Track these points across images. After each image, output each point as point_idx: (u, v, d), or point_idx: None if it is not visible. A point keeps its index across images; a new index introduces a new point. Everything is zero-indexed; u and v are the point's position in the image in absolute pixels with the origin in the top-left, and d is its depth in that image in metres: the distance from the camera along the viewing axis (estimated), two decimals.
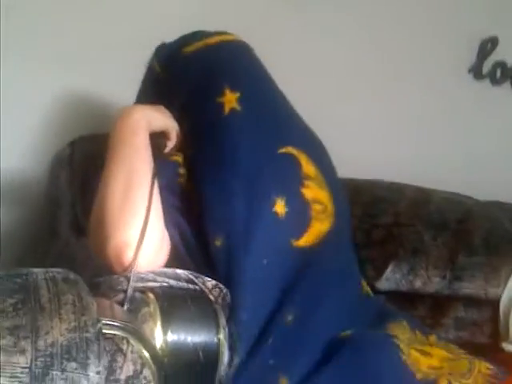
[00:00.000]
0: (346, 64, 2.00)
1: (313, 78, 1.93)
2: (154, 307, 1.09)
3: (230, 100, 1.28)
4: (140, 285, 1.14)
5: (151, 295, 1.11)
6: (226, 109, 1.28)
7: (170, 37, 1.41)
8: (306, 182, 1.27)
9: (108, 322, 0.91)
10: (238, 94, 1.28)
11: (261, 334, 1.17)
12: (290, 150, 1.28)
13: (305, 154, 1.29)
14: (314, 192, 1.28)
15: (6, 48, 1.70)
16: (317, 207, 1.27)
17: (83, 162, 1.53)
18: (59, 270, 0.97)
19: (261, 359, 1.15)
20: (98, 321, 0.89)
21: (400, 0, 2.02)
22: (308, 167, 1.29)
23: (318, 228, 1.26)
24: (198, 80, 1.34)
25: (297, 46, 1.93)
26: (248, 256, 1.17)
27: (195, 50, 1.37)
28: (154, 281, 1.15)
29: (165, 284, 1.15)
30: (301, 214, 1.25)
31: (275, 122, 1.34)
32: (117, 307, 1.04)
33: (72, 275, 0.96)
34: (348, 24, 1.98)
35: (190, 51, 1.36)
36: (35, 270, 0.96)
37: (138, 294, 1.12)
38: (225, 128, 1.27)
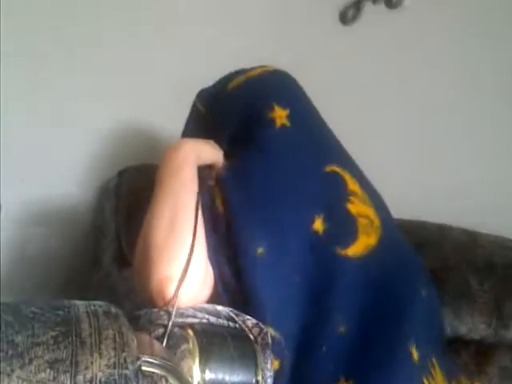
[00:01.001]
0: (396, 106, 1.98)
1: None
2: (193, 344, 1.08)
3: (281, 116, 1.31)
4: (179, 320, 1.13)
5: (190, 331, 1.10)
6: (278, 123, 1.30)
7: (217, 70, 1.43)
8: (352, 198, 1.30)
9: (147, 360, 0.91)
10: (287, 111, 1.30)
11: (309, 345, 1.18)
12: (335, 168, 1.30)
13: (348, 172, 1.32)
14: (359, 207, 1.30)
15: (62, 78, 1.73)
16: (362, 221, 1.28)
17: (130, 193, 1.53)
18: (101, 303, 0.97)
19: (316, 366, 1.17)
20: (138, 358, 0.88)
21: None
22: (352, 184, 1.32)
23: (366, 241, 1.27)
24: (246, 106, 1.36)
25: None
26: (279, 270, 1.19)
27: (239, 83, 1.38)
28: (194, 316, 1.14)
29: (204, 320, 1.14)
30: (346, 226, 1.27)
31: (321, 140, 1.36)
32: (156, 343, 1.03)
33: (113, 309, 0.96)
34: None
35: (233, 86, 1.38)
36: (77, 302, 0.96)
37: (177, 330, 1.12)
38: (276, 142, 1.29)
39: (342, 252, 1.24)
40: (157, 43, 1.81)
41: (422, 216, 1.77)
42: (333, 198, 1.28)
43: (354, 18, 1.91)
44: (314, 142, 1.33)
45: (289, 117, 1.30)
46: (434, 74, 1.96)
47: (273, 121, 1.29)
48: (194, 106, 1.42)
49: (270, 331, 1.14)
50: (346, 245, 1.25)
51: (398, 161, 1.98)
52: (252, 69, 1.41)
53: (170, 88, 1.70)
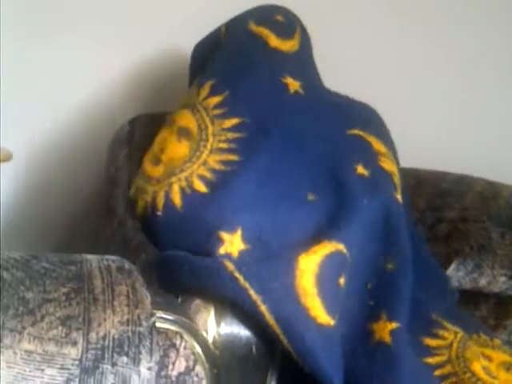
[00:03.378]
0: (410, 55, 1.92)
1: (375, 68, 1.87)
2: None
3: (294, 84, 1.28)
4: None
5: None
6: (291, 89, 1.28)
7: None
8: (381, 158, 1.31)
9: (162, 316, 0.89)
10: (299, 83, 1.29)
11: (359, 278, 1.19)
12: (357, 131, 1.30)
13: (372, 135, 1.32)
14: (390, 165, 1.32)
15: (70, 21, 1.68)
16: (395, 179, 1.31)
17: (142, 141, 1.50)
18: (114, 258, 0.94)
19: (359, 301, 1.18)
20: (152, 314, 0.86)
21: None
22: (378, 145, 1.32)
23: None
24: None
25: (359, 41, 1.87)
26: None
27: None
28: None
29: None
30: (387, 179, 1.29)
31: (337, 107, 1.35)
32: (171, 298, 1.01)
33: (127, 264, 0.93)
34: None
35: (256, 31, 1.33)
36: (89, 256, 0.94)
37: None
38: (291, 108, 1.26)
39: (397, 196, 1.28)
40: None
41: (443, 166, 1.72)
42: (364, 156, 1.27)
43: None
44: (330, 108, 1.32)
45: (301, 87, 1.28)
46: None
47: (286, 86, 1.28)
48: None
49: None
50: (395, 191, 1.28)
51: (416, 107, 1.93)
52: None
53: (181, 34, 1.65)
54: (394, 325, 1.14)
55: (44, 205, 1.72)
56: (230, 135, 1.19)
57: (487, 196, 1.65)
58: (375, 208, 1.23)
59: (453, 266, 1.54)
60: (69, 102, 1.70)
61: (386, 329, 1.14)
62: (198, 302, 1.05)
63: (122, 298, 0.86)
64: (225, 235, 1.10)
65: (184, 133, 1.18)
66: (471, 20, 1.94)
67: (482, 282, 1.56)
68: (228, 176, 1.14)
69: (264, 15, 1.39)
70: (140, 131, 1.54)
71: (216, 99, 1.22)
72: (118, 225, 1.44)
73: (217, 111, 1.20)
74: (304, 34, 1.43)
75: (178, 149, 1.16)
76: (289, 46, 1.35)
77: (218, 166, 1.15)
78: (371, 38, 1.87)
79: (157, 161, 1.17)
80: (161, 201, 1.12)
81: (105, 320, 0.83)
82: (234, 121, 1.20)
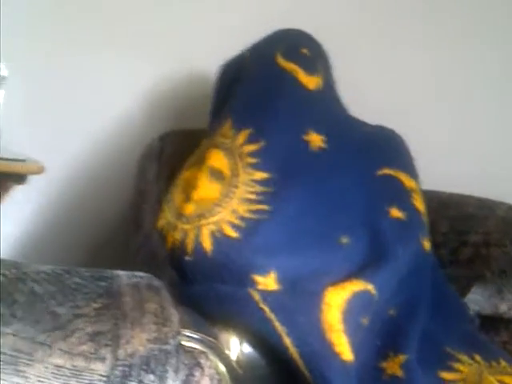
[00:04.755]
0: (437, 76, 1.93)
1: (399, 91, 1.88)
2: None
3: (317, 139, 1.30)
4: None
5: None
6: (315, 146, 1.30)
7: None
8: (413, 195, 1.34)
9: (188, 334, 0.91)
10: (323, 136, 1.30)
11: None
12: (387, 170, 1.32)
13: (401, 171, 1.34)
14: (420, 203, 1.35)
15: (106, 35, 1.71)
16: (425, 218, 1.35)
17: (172, 157, 1.52)
18: (143, 274, 0.97)
19: (370, 340, 1.20)
20: (179, 333, 0.88)
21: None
22: (408, 181, 1.35)
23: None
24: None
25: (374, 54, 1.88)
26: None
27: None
28: None
29: None
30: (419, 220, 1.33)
31: (364, 148, 1.37)
32: (197, 316, 1.03)
33: (156, 282, 0.96)
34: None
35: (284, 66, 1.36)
36: (120, 273, 0.96)
37: None
38: (317, 162, 1.29)
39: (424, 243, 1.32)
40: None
41: (465, 190, 1.72)
42: (397, 197, 1.31)
43: None
44: (356, 153, 1.34)
45: (324, 141, 1.30)
46: None
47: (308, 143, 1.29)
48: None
49: None
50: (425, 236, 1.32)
51: (443, 132, 1.94)
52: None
53: (211, 54, 1.67)
54: (402, 357, 1.17)
55: (74, 217, 1.74)
56: (259, 188, 1.20)
57: (510, 221, 1.65)
58: (406, 258, 1.27)
59: (473, 291, 1.55)
60: (100, 118, 1.73)
61: (395, 364, 1.16)
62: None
63: (151, 316, 0.88)
64: (258, 278, 1.12)
65: (216, 175, 1.19)
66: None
67: (503, 307, 1.55)
68: (258, 223, 1.16)
69: (290, 47, 1.40)
70: (169, 147, 1.57)
71: (251, 148, 1.24)
72: (144, 238, 1.46)
73: (250, 160, 1.22)
74: (326, 63, 1.46)
75: (210, 190, 1.18)
76: (314, 82, 1.37)
77: (247, 215, 1.16)
78: (395, 61, 1.88)
79: (188, 198, 1.18)
80: (191, 244, 1.12)
81: (133, 337, 0.84)
82: (264, 175, 1.21)
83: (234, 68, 1.41)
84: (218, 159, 1.22)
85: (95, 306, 0.88)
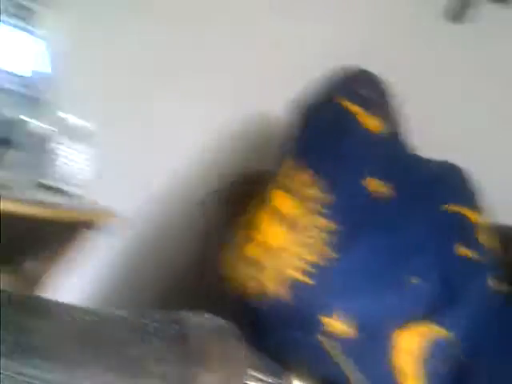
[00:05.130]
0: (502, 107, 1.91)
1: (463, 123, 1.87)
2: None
3: (380, 187, 1.31)
4: None
5: None
6: (380, 194, 1.30)
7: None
8: (479, 230, 1.33)
9: (254, 374, 0.93)
10: (388, 184, 1.31)
11: None
12: (452, 207, 1.32)
13: (465, 205, 1.33)
14: (486, 238, 1.34)
15: (176, 80, 1.78)
16: (491, 253, 1.33)
17: (238, 200, 1.55)
18: (213, 317, 1.00)
19: None
20: (246, 373, 0.91)
21: None
22: (474, 215, 1.34)
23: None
24: None
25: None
26: None
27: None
28: None
29: None
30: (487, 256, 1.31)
31: (428, 187, 1.37)
32: (266, 359, 1.05)
33: (226, 325, 0.99)
34: None
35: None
36: (191, 315, 1.00)
37: None
38: (383, 209, 1.29)
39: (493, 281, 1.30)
40: (275, 42, 1.81)
41: None
42: (463, 234, 1.30)
43: (461, 15, 1.86)
44: (418, 191, 1.33)
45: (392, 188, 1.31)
46: None
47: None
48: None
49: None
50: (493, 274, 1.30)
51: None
52: None
53: (277, 98, 1.71)
54: None
55: (146, 260, 1.79)
56: (326, 237, 1.21)
57: None
58: (475, 298, 1.26)
59: None
60: (169, 162, 1.77)
61: None
62: None
63: (220, 358, 0.91)
64: (327, 319, 1.13)
65: (283, 220, 1.20)
66: None
67: None
68: (327, 269, 1.17)
69: (353, 88, 1.41)
70: (236, 191, 1.60)
71: (322, 198, 1.24)
72: (211, 282, 1.49)
73: (320, 209, 1.22)
74: (390, 103, 1.46)
75: (276, 235, 1.19)
76: (377, 124, 1.38)
77: (316, 260, 1.17)
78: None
79: (252, 239, 1.19)
80: (260, 289, 1.14)
81: (203, 378, 0.88)
82: (332, 226, 1.21)
83: (302, 109, 1.43)
84: (286, 204, 1.23)
85: (168, 348, 0.91)
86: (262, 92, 1.78)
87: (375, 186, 1.30)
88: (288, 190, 1.25)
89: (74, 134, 1.65)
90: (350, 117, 1.35)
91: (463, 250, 1.28)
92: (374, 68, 1.47)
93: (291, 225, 1.20)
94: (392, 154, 1.39)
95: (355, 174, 1.29)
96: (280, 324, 1.12)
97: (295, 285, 1.13)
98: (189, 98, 1.79)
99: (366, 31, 1.85)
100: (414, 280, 1.22)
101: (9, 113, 1.46)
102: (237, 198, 1.59)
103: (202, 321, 0.98)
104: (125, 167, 1.75)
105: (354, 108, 1.36)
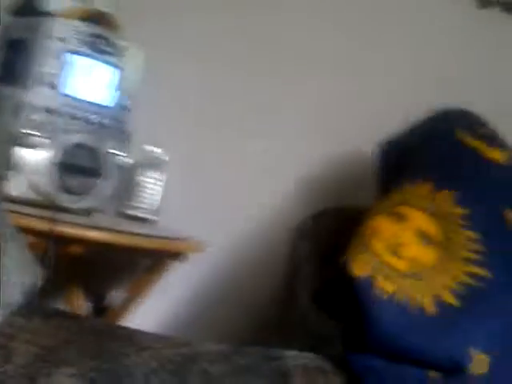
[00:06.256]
0: None
1: None
2: None
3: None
4: None
5: None
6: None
7: None
8: None
9: None
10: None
11: None
12: None
13: None
14: None
15: (257, 119, 1.78)
16: None
17: (324, 235, 1.53)
18: (311, 355, 0.97)
19: None
20: None
21: None
22: None
23: None
24: None
25: None
26: None
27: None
28: None
29: None
30: None
31: None
32: None
33: (324, 364, 0.95)
34: None
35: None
36: (287, 353, 0.97)
37: None
38: None
39: None
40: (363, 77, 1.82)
41: None
42: None
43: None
44: None
45: None
46: None
47: None
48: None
49: None
50: None
51: None
52: None
53: (360, 137, 1.68)
54: None
55: (230, 293, 1.78)
56: (476, 247, 1.19)
57: None
58: None
59: None
60: (255, 196, 1.77)
61: None
62: None
63: None
64: (474, 353, 1.10)
65: (427, 238, 1.18)
66: None
67: None
68: (477, 293, 1.14)
69: (469, 124, 1.39)
70: (322, 226, 1.58)
71: (461, 211, 1.22)
72: (301, 317, 1.46)
73: (462, 222, 1.21)
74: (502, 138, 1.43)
75: (424, 253, 1.16)
76: (503, 156, 1.35)
77: (465, 279, 1.15)
78: None
79: (397, 253, 1.15)
80: (413, 302, 1.11)
81: None
82: (476, 235, 1.20)
83: (400, 146, 1.41)
84: (423, 220, 1.20)
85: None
86: (347, 130, 1.77)
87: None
88: (425, 210, 1.23)
89: (156, 165, 1.67)
90: (473, 152, 1.33)
91: None
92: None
93: (440, 244, 1.19)
94: None
95: (493, 199, 1.28)
96: (420, 342, 1.11)
97: (442, 304, 1.12)
98: (282, 132, 1.80)
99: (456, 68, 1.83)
100: None
101: (97, 144, 1.50)
102: (322, 233, 1.57)
103: (303, 360, 0.94)
104: (214, 199, 1.76)
105: (475, 143, 1.34)
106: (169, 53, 1.70)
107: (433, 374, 1.09)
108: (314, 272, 1.49)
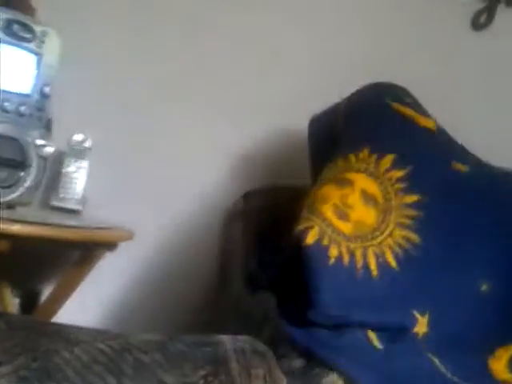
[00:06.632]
0: None
1: None
2: (337, 375, 1.06)
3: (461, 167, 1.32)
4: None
5: None
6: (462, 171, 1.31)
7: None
8: None
9: None
10: (466, 166, 1.32)
11: None
12: None
13: None
14: None
15: (187, 98, 1.75)
16: None
17: (257, 214, 1.52)
18: (246, 338, 0.95)
19: None
20: None
21: None
22: None
23: None
24: None
25: None
26: None
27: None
28: None
29: None
30: None
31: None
32: (306, 379, 1.01)
33: (260, 346, 0.94)
34: None
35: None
36: (223, 338, 0.95)
37: (318, 360, 1.10)
38: (463, 189, 1.29)
39: None
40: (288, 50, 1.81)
41: None
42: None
43: (487, 23, 1.84)
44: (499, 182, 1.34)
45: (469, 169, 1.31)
46: None
47: None
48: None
49: None
50: None
51: None
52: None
53: (290, 113, 1.68)
54: None
55: (162, 281, 1.76)
56: (410, 212, 1.21)
57: None
58: None
59: None
60: (184, 181, 1.75)
61: None
62: (328, 379, 1.05)
63: (259, 381, 0.86)
64: (417, 315, 1.15)
65: (370, 199, 1.19)
66: None
67: None
68: (411, 257, 1.17)
69: (397, 94, 1.40)
70: (253, 205, 1.57)
71: (399, 173, 1.23)
72: (235, 299, 1.45)
73: (399, 185, 1.22)
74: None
75: (367, 214, 1.18)
76: (433, 125, 1.37)
77: (402, 242, 1.17)
78: None
79: (344, 216, 1.16)
80: (359, 263, 1.13)
81: None
82: (415, 198, 1.22)
83: (330, 119, 1.41)
84: (367, 184, 1.21)
85: (202, 373, 0.86)
86: (276, 108, 1.77)
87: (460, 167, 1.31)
88: (368, 173, 1.24)
89: (79, 153, 1.63)
90: (407, 119, 1.35)
91: None
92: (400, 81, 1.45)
93: (381, 206, 1.21)
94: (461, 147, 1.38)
95: (435, 156, 1.31)
96: (366, 302, 1.14)
97: (383, 265, 1.15)
98: (204, 116, 1.77)
99: (388, 43, 1.84)
100: (485, 286, 1.23)
101: (17, 134, 1.44)
102: (254, 212, 1.56)
103: (239, 343, 0.93)
104: (140, 186, 1.73)
105: (408, 110, 1.35)
106: (84, 36, 1.65)
107: (372, 334, 1.13)
108: (247, 253, 1.48)
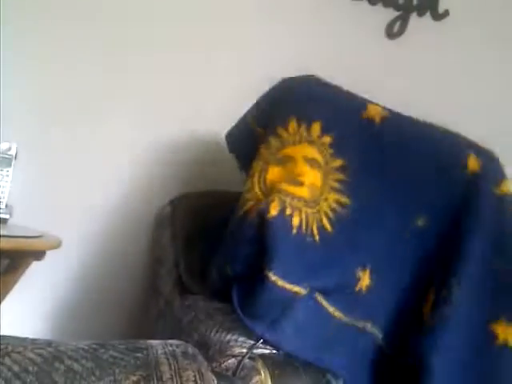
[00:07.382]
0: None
1: None
2: (265, 375, 1.08)
3: (377, 111, 1.33)
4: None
5: (262, 363, 1.10)
6: (377, 121, 1.31)
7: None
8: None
9: None
10: (385, 112, 1.32)
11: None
12: None
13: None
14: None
15: (108, 105, 1.75)
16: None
17: (185, 219, 1.54)
18: (177, 342, 0.97)
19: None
20: None
21: None
22: None
23: None
24: None
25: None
26: None
27: None
28: (265, 348, 1.14)
29: (275, 351, 1.14)
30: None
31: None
32: (235, 380, 1.03)
33: (190, 349, 0.96)
34: None
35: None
36: (153, 342, 0.96)
37: (248, 361, 1.12)
38: (382, 143, 1.31)
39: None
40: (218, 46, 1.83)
41: None
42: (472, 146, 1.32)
43: (400, 31, 1.91)
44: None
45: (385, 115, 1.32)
46: (479, 85, 1.95)
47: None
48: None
49: None
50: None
51: None
52: None
53: (216, 120, 1.70)
54: None
55: (93, 288, 1.74)
56: (338, 176, 1.24)
57: None
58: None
59: None
60: (111, 186, 1.75)
61: None
62: (256, 379, 1.07)
63: (197, 380, 0.88)
64: (359, 272, 1.21)
65: (313, 163, 1.22)
66: None
67: None
68: (344, 219, 1.21)
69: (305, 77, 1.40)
70: (181, 210, 1.58)
71: (328, 139, 1.25)
72: (165, 304, 1.46)
73: (330, 150, 1.25)
74: None
75: (315, 176, 1.21)
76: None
77: (335, 205, 1.21)
78: None
79: (298, 182, 1.19)
80: (315, 227, 1.17)
81: None
82: (339, 162, 1.25)
83: (245, 122, 1.43)
84: (307, 150, 1.23)
85: (134, 378, 0.88)
86: (199, 114, 1.78)
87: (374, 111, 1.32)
88: (309, 142, 1.26)
89: (5, 161, 1.60)
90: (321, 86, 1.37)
91: (473, 162, 1.29)
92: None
93: (323, 168, 1.24)
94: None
95: (350, 107, 1.33)
96: (325, 263, 1.18)
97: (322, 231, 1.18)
98: (134, 119, 1.77)
99: (311, 53, 1.88)
100: (421, 222, 1.27)
101: None
102: (182, 217, 1.57)
103: (169, 347, 0.94)
104: (66, 195, 1.72)
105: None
106: (9, 44, 1.63)
107: (320, 298, 1.18)
108: (176, 258, 1.49)
